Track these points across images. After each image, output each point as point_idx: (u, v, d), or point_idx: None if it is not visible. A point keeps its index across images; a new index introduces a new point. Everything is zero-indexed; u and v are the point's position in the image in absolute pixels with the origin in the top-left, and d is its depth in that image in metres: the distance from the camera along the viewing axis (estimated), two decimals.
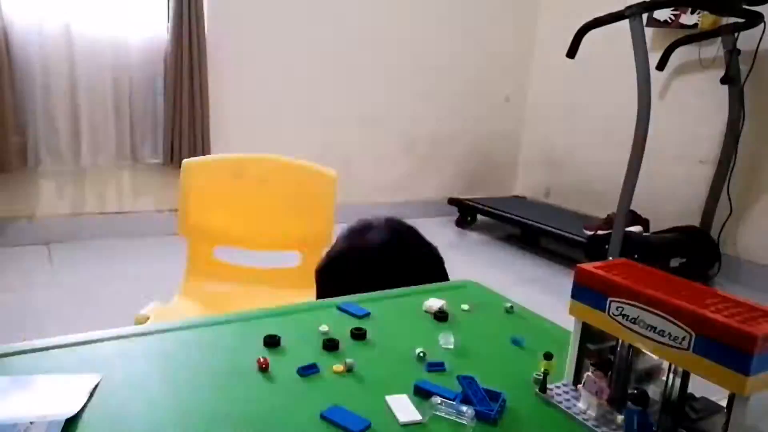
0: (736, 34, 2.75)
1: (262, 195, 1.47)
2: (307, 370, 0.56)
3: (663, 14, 3.06)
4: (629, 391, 0.47)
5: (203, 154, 3.04)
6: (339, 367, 0.57)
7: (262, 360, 0.57)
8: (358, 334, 0.64)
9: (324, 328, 0.66)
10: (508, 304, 0.76)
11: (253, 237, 1.47)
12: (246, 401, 0.50)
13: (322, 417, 0.49)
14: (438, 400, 0.50)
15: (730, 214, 2.88)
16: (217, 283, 1.44)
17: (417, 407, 0.51)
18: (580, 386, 0.52)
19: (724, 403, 0.45)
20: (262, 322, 0.68)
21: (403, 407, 0.50)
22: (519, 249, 3.38)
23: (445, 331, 0.66)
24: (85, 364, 0.55)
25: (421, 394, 0.53)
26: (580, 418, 0.51)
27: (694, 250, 2.86)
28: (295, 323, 0.68)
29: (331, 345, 0.61)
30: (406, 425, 0.48)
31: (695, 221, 2.97)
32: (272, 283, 1.45)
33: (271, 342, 0.62)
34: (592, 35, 2.79)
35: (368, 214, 3.73)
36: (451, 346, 0.64)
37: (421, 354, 0.61)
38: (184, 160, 1.45)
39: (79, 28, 2.71)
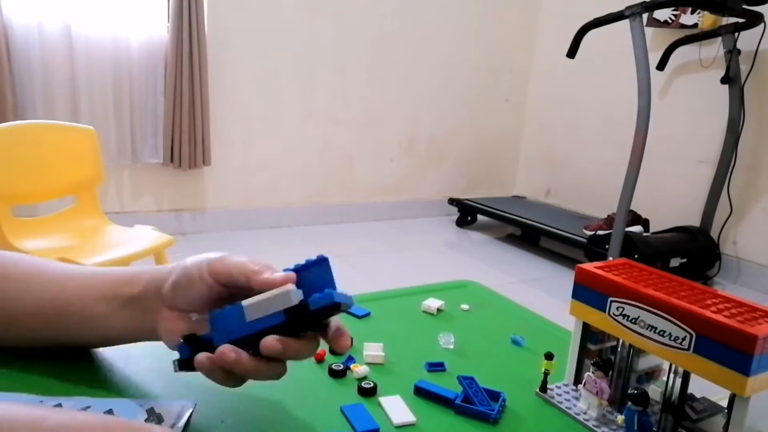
0: (736, 34, 2.75)
1: (36, 155, 1.77)
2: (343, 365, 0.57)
3: (663, 14, 3.06)
4: (629, 391, 0.47)
5: (203, 154, 3.04)
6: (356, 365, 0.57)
7: (321, 351, 0.59)
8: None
9: None
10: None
11: (38, 191, 1.81)
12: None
13: (342, 411, 0.50)
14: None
15: (730, 214, 2.88)
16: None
17: (411, 408, 0.51)
18: (580, 386, 0.52)
19: (724, 403, 0.45)
20: None
21: (397, 408, 0.50)
22: (519, 249, 3.38)
23: (445, 331, 0.66)
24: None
25: (421, 394, 0.53)
26: (580, 418, 0.51)
27: (694, 250, 2.86)
28: None
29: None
30: (400, 427, 0.48)
31: (695, 221, 2.97)
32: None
33: None
34: (592, 35, 2.79)
35: (368, 213, 3.80)
36: (451, 346, 0.64)
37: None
38: None
39: (80, 29, 2.71)
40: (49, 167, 1.78)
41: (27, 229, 1.73)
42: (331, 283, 0.42)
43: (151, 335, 0.48)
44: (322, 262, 0.42)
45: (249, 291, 0.43)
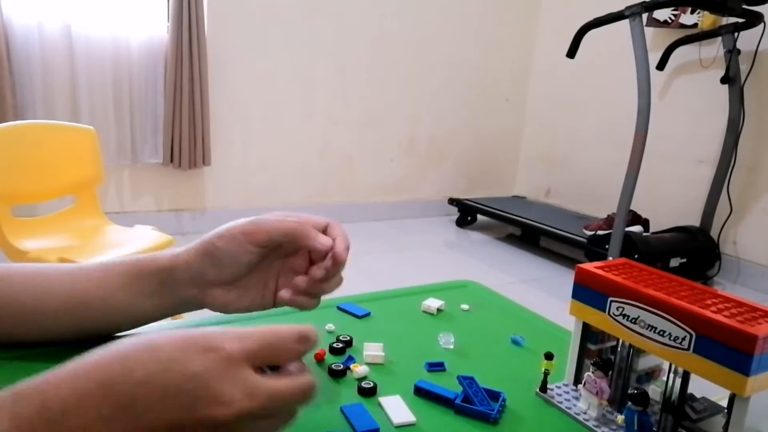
0: (736, 34, 2.75)
1: (36, 155, 1.76)
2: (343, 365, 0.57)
3: (663, 14, 3.06)
4: (629, 391, 0.47)
5: (203, 154, 3.04)
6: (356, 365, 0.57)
7: (320, 351, 0.59)
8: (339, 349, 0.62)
9: (330, 327, 0.66)
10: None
11: (38, 191, 1.80)
12: None
13: (342, 411, 0.50)
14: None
15: (730, 214, 2.88)
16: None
17: (411, 408, 0.51)
18: (580, 386, 0.52)
19: (724, 403, 0.45)
20: (266, 321, 0.68)
21: (397, 408, 0.50)
22: (519, 249, 3.38)
23: (445, 331, 0.66)
24: None
25: (421, 394, 0.53)
26: (580, 418, 0.51)
27: (694, 250, 2.86)
28: (297, 322, 0.68)
29: (345, 344, 0.62)
30: (400, 427, 0.48)
31: (695, 221, 2.97)
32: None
33: None
34: (592, 35, 2.79)
35: (368, 213, 3.81)
36: (451, 346, 0.64)
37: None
38: None
39: (80, 29, 2.71)
40: (49, 167, 1.78)
41: (27, 229, 1.73)
42: None
43: (177, 310, 0.53)
44: None
45: (290, 247, 0.52)
